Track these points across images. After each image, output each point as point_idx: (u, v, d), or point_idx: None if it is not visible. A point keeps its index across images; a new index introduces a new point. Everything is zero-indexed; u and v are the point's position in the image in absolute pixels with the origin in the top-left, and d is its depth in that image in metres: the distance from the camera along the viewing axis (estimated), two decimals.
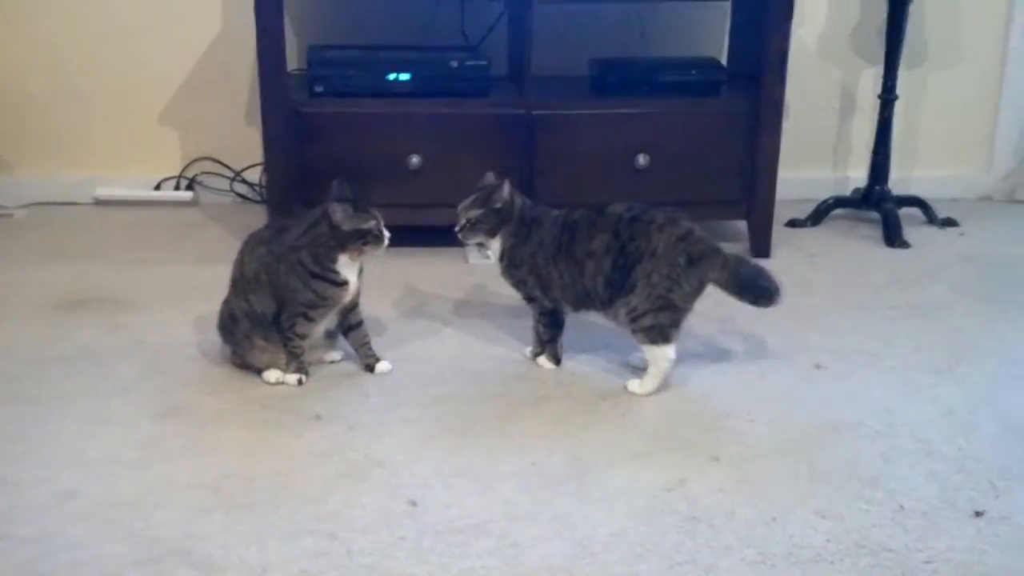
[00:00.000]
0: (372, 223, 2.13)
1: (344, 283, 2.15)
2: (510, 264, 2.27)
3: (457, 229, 2.27)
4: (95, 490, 1.78)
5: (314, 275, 2.13)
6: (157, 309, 2.58)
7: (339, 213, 2.10)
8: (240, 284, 2.17)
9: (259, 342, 2.17)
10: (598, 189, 2.97)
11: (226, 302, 2.20)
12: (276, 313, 2.16)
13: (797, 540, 1.67)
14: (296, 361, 2.18)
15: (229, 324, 2.19)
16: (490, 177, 2.28)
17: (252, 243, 2.20)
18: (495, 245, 2.28)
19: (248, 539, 1.64)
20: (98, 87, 3.40)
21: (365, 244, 2.13)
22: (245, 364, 2.22)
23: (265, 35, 2.76)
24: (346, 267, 2.14)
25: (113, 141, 3.45)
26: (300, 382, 2.18)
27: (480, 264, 2.91)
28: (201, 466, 1.86)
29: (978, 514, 1.75)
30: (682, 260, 2.09)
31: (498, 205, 2.23)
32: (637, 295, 2.11)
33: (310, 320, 2.16)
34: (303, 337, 2.17)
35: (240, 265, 2.18)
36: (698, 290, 2.12)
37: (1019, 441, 1.99)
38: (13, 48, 3.34)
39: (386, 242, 2.15)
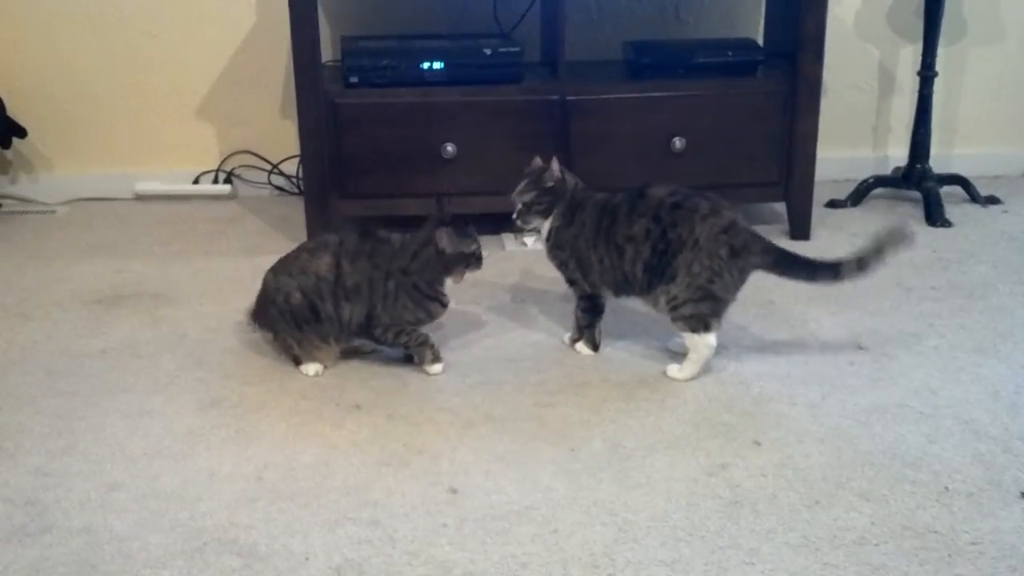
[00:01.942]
0: (474, 247, 2.18)
1: (448, 303, 2.23)
2: (555, 244, 2.26)
3: (515, 216, 2.28)
4: (139, 482, 1.80)
5: (428, 297, 2.18)
6: (197, 302, 2.60)
7: (444, 240, 2.13)
8: (334, 289, 2.16)
9: (331, 342, 2.20)
10: (634, 173, 2.96)
11: (304, 294, 2.16)
12: (362, 323, 2.18)
13: (841, 523, 1.65)
14: (429, 349, 2.22)
15: (308, 316, 2.16)
16: (537, 161, 2.28)
17: (350, 252, 2.18)
18: (544, 225, 2.28)
19: (291, 528, 1.66)
20: (135, 83, 3.43)
21: (467, 267, 2.19)
22: (286, 349, 2.23)
23: (299, 27, 2.77)
24: (449, 287, 2.22)
25: (151, 136, 3.48)
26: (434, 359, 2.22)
27: (517, 251, 2.91)
28: (243, 457, 1.88)
29: None
30: (724, 252, 2.07)
31: (550, 184, 2.24)
32: (678, 284, 2.10)
33: (412, 331, 2.21)
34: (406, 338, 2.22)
35: (336, 269, 2.16)
36: (740, 280, 2.11)
37: None
38: (52, 46, 3.38)
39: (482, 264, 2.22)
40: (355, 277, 2.16)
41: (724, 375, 2.18)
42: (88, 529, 1.66)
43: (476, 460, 1.86)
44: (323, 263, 2.17)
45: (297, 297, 2.16)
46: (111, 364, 2.26)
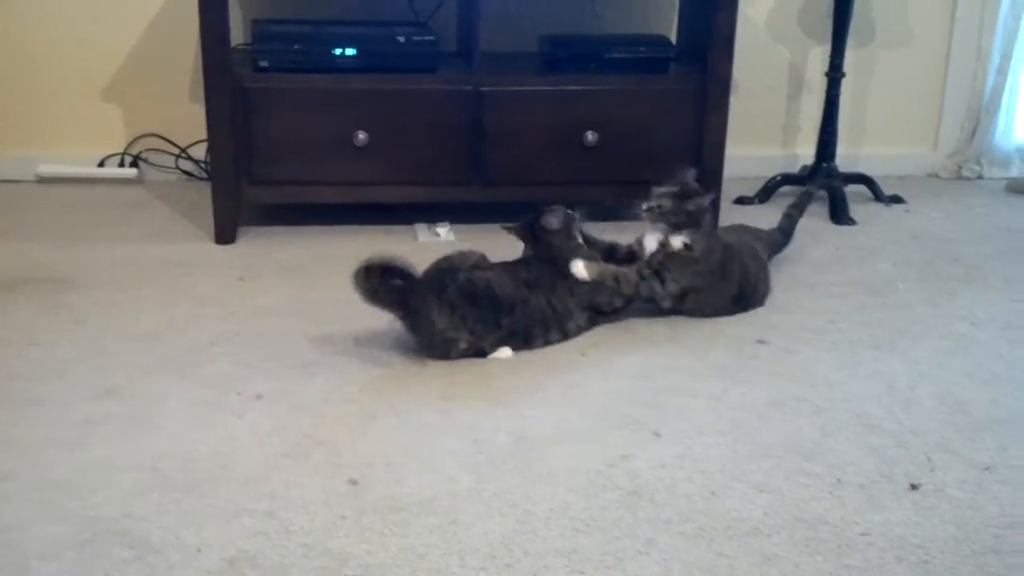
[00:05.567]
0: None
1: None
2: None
3: (645, 207, 2.39)
4: (30, 472, 1.75)
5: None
6: (100, 288, 2.54)
7: (552, 219, 2.30)
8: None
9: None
10: (547, 167, 2.98)
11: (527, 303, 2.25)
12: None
13: (735, 514, 1.68)
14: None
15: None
16: (691, 174, 2.43)
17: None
18: (677, 239, 2.38)
19: (185, 519, 1.63)
20: (40, 62, 3.34)
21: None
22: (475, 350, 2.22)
23: (208, 9, 2.72)
24: None
25: (56, 117, 3.39)
26: None
27: (430, 243, 2.89)
28: (139, 447, 1.84)
29: (914, 487, 1.77)
30: None
31: (691, 208, 2.36)
32: None
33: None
34: None
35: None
36: None
37: (957, 415, 2.02)
38: None
39: None
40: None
41: (628, 368, 2.20)
42: None
43: (379, 451, 1.85)
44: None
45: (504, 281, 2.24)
46: (5, 351, 2.20)
